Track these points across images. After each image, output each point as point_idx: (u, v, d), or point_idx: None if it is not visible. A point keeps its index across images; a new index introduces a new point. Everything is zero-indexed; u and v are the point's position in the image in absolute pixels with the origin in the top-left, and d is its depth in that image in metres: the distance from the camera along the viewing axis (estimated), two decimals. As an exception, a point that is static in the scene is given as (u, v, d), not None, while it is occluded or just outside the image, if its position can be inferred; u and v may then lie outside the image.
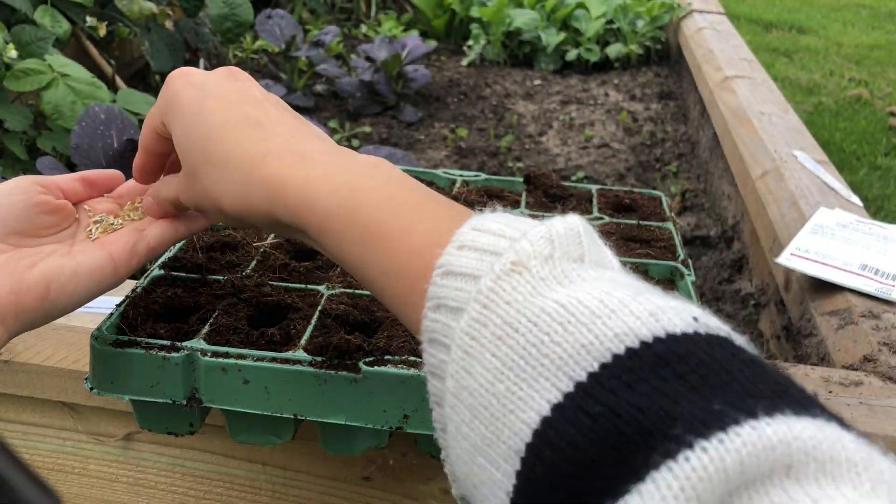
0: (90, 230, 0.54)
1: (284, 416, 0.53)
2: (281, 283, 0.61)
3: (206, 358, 0.52)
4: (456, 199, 0.78)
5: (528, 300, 0.31)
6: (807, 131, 1.47)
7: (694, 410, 0.25)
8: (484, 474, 0.31)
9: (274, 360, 0.52)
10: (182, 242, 0.67)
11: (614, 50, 2.72)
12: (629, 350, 0.28)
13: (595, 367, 0.28)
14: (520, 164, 1.99)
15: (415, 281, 0.36)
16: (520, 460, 0.29)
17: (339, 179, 0.41)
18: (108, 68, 2.04)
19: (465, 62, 2.82)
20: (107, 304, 0.73)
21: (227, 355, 0.52)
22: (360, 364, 0.52)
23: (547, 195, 0.83)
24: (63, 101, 1.50)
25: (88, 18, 1.90)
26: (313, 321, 0.56)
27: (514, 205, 0.80)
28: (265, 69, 2.60)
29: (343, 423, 0.53)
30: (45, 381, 0.70)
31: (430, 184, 0.83)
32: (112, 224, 0.54)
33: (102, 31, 1.90)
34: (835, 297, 0.89)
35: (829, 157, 1.34)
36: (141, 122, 1.95)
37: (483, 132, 2.20)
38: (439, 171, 0.84)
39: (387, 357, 0.53)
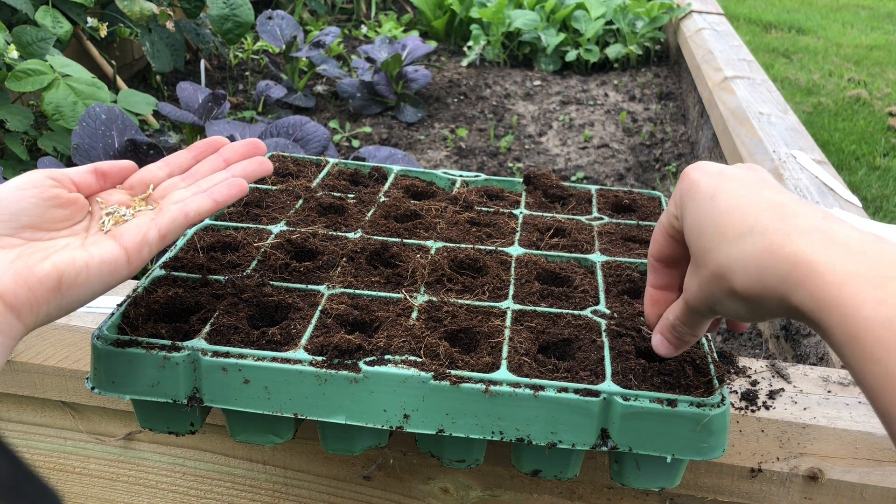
0: (102, 222, 0.54)
1: (285, 415, 0.53)
2: (281, 284, 0.62)
3: (207, 357, 0.52)
4: (456, 199, 0.79)
5: None
6: (806, 132, 1.47)
7: None
8: None
9: (274, 359, 0.52)
10: (182, 242, 0.67)
11: (614, 51, 2.72)
12: None
13: None
14: (519, 165, 2.00)
15: None
16: None
17: (891, 287, 0.35)
18: (109, 69, 2.04)
19: (465, 63, 2.82)
20: (108, 304, 0.73)
21: (227, 355, 0.53)
22: (361, 364, 0.52)
23: (546, 195, 0.83)
24: (64, 101, 1.50)
25: (89, 19, 1.90)
26: (313, 321, 0.56)
27: (514, 205, 0.80)
28: (266, 70, 2.60)
29: (343, 422, 0.53)
30: (46, 380, 0.71)
31: (429, 184, 0.84)
32: (123, 215, 0.55)
33: (103, 32, 1.90)
34: (833, 297, 0.89)
35: (828, 157, 1.34)
36: (142, 122, 1.95)
37: (483, 132, 2.20)
38: (439, 172, 0.84)
39: (387, 357, 0.53)
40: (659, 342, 0.52)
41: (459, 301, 0.61)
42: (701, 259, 0.45)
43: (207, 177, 0.59)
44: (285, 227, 0.70)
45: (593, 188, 0.84)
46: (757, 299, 0.41)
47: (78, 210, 0.54)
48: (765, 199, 0.43)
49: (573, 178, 1.92)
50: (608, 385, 0.52)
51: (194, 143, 0.62)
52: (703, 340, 0.58)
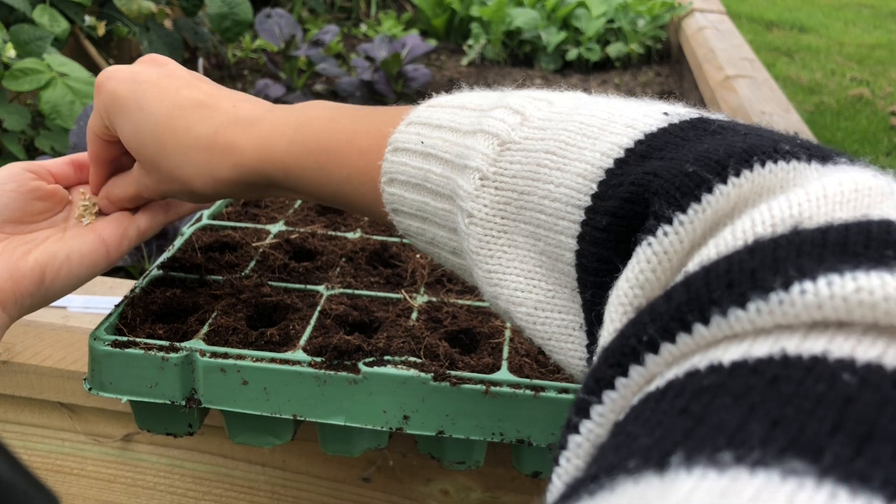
0: (81, 215, 0.55)
1: (283, 416, 0.53)
2: (280, 284, 0.61)
3: (205, 358, 0.52)
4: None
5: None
6: (808, 131, 1.46)
7: (669, 177, 0.29)
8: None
9: (273, 360, 0.52)
10: (180, 242, 0.66)
11: (615, 49, 2.71)
12: (617, 161, 0.32)
13: (594, 188, 0.32)
14: (520, 164, 1.99)
15: (367, 166, 0.42)
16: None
17: (285, 125, 0.45)
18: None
19: (465, 61, 2.81)
20: (105, 305, 0.73)
21: (225, 356, 0.52)
22: (360, 364, 0.52)
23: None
24: (61, 100, 1.50)
25: (87, 17, 1.90)
26: (312, 321, 0.56)
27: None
28: (264, 68, 2.60)
29: (342, 423, 0.53)
30: (43, 381, 0.70)
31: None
32: (97, 207, 0.55)
33: (101, 31, 1.90)
34: (836, 296, 0.89)
35: (830, 156, 1.34)
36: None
37: (483, 131, 2.19)
38: (439, 171, 0.84)
39: (386, 357, 0.53)
40: (105, 207, 0.56)
41: (459, 301, 0.60)
42: (153, 167, 0.49)
43: None
44: (284, 227, 0.70)
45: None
46: (215, 190, 0.48)
47: (58, 201, 0.54)
48: (186, 102, 0.48)
49: (574, 177, 1.91)
50: (610, 386, 0.52)
51: None
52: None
